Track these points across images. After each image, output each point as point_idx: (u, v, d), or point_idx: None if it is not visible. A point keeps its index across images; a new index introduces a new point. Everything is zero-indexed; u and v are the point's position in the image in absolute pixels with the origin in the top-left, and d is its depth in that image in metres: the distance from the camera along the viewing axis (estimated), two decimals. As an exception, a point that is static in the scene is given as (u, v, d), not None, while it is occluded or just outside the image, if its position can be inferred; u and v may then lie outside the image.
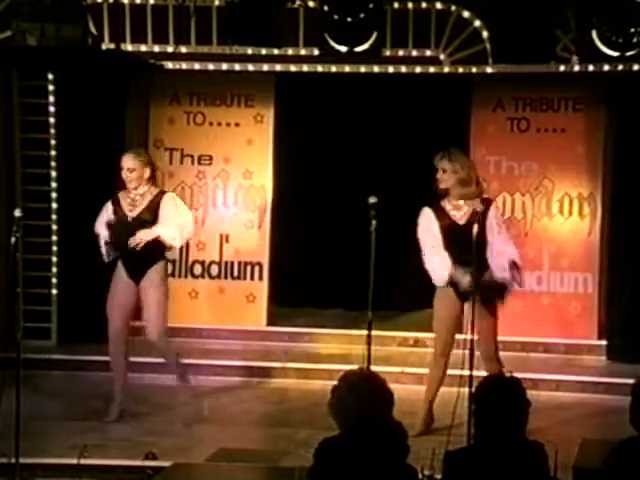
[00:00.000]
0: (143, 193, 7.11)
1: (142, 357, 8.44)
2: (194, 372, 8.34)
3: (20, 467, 5.87)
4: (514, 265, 6.80)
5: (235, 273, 9.33)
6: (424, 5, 8.81)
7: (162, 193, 7.24)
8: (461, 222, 6.79)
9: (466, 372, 6.23)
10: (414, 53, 8.90)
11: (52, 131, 8.85)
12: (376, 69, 8.91)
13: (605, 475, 4.03)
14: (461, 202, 6.85)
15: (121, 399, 7.20)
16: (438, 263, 6.76)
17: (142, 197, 7.11)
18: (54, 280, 8.92)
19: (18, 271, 6.04)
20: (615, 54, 7.92)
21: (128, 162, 7.09)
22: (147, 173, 7.11)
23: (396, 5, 8.75)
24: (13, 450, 5.82)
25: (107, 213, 7.19)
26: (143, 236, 6.98)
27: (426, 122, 9.41)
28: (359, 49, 8.17)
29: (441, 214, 6.84)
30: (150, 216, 7.07)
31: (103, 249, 7.17)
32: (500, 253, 6.79)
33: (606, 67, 8.40)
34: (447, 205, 6.86)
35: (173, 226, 7.09)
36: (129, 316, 7.22)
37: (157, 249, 7.10)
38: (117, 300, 7.13)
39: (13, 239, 5.90)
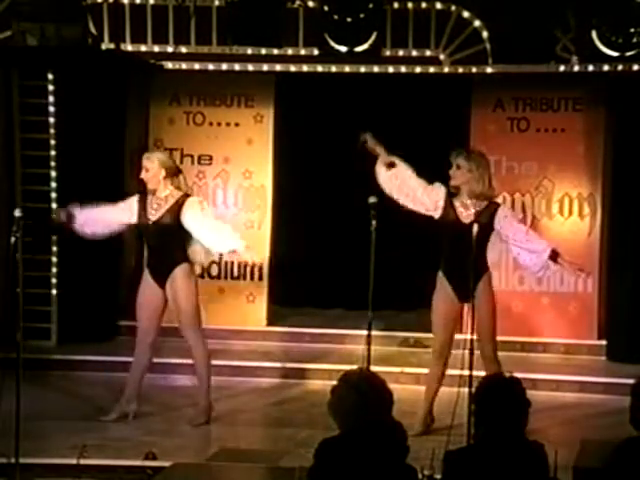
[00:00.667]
0: (165, 197, 6.97)
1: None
2: (194, 372, 8.35)
3: (20, 467, 5.86)
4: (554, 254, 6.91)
5: (235, 273, 9.33)
6: (424, 5, 8.81)
7: (186, 196, 7.04)
8: (466, 221, 6.79)
9: (466, 372, 6.23)
10: (414, 53, 8.91)
11: (52, 131, 8.85)
12: (376, 69, 8.92)
13: (605, 475, 4.03)
14: (469, 202, 6.86)
15: (127, 400, 7.10)
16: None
17: (165, 201, 6.97)
18: (54, 280, 8.91)
19: (18, 271, 6.04)
20: (615, 54, 7.93)
21: (143, 161, 7.05)
22: (162, 173, 6.96)
23: (396, 5, 8.76)
24: (13, 450, 5.82)
25: (127, 212, 7.05)
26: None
27: (426, 122, 9.41)
28: (359, 49, 8.18)
29: (448, 207, 6.85)
30: (171, 220, 6.93)
31: (62, 213, 7.15)
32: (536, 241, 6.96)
33: (606, 67, 8.41)
34: (456, 202, 6.87)
35: (215, 235, 6.96)
36: (156, 317, 7.09)
37: (179, 251, 6.98)
38: (143, 301, 7.08)
39: (13, 239, 5.90)
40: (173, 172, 7.04)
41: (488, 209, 6.85)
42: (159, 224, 6.97)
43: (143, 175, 7.02)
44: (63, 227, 7.21)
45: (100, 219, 7.12)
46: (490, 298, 6.87)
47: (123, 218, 7.10)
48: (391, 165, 6.97)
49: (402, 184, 6.95)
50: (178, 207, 6.95)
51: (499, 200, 8.93)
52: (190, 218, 6.94)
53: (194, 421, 7.09)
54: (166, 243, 6.98)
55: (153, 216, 6.98)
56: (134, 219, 7.05)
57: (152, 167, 6.97)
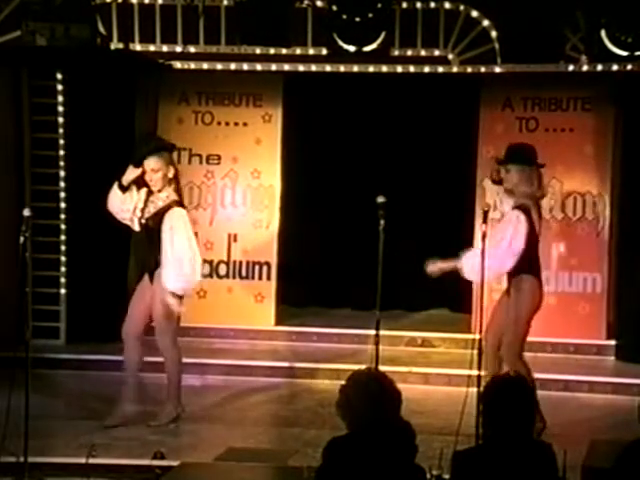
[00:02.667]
0: (165, 197, 6.82)
1: (146, 357, 8.45)
2: (202, 371, 8.37)
3: (29, 466, 5.88)
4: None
5: (243, 273, 9.33)
6: (432, 5, 8.80)
7: (177, 204, 6.84)
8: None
9: (474, 372, 6.23)
10: (422, 53, 8.90)
11: (61, 131, 8.87)
12: (384, 69, 8.91)
13: (614, 475, 4.02)
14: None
15: (126, 403, 7.00)
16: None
17: (162, 201, 6.82)
18: (63, 280, 8.93)
19: (27, 271, 6.05)
20: (624, 53, 7.90)
21: (151, 163, 6.81)
22: (172, 172, 6.85)
23: (404, 5, 8.74)
24: (22, 449, 5.83)
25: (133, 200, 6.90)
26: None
27: (435, 122, 9.41)
28: (367, 49, 8.17)
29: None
30: (155, 223, 6.80)
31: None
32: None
33: (615, 67, 8.39)
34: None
35: (174, 275, 6.69)
36: (145, 312, 7.00)
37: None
38: (136, 293, 7.01)
39: (22, 238, 5.91)
40: (177, 174, 6.95)
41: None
42: (147, 224, 6.84)
43: (150, 177, 6.81)
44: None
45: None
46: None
47: (129, 206, 6.90)
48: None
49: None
50: (162, 213, 6.79)
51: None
52: (166, 229, 6.74)
53: (154, 421, 6.91)
54: (152, 243, 6.83)
55: (148, 213, 6.84)
56: (136, 214, 6.88)
57: (162, 167, 6.83)
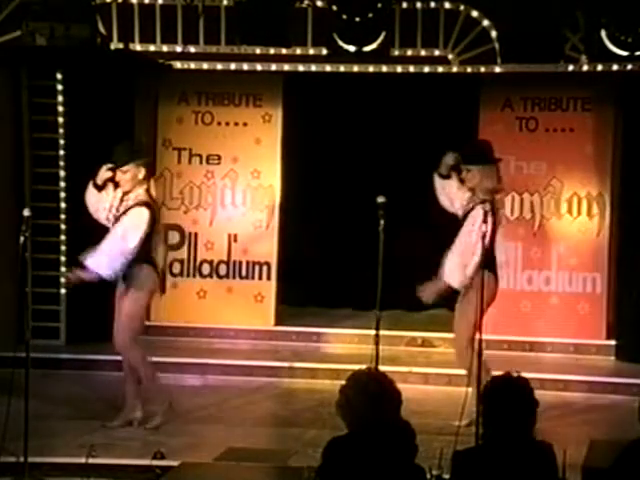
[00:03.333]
0: (134, 197, 6.73)
1: (147, 356, 8.46)
2: (202, 371, 8.37)
3: (29, 466, 5.88)
4: None
5: (243, 273, 9.33)
6: (432, 5, 8.80)
7: (142, 203, 6.72)
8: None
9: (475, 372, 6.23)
10: (422, 53, 8.90)
11: (61, 131, 8.87)
12: (384, 69, 8.91)
13: (614, 475, 4.02)
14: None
15: (131, 409, 6.93)
16: None
17: (131, 200, 6.73)
18: (63, 280, 8.93)
19: (27, 270, 6.05)
20: (624, 53, 7.90)
21: (121, 169, 6.74)
22: (142, 173, 6.78)
23: (404, 5, 8.74)
24: (22, 449, 5.83)
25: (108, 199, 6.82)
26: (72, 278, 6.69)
27: (434, 122, 9.40)
28: (367, 49, 8.16)
29: None
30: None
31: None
32: None
33: (615, 67, 8.39)
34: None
35: (104, 255, 6.57)
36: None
37: (138, 251, 6.69)
38: (116, 302, 6.94)
39: (22, 238, 5.91)
40: (150, 174, 6.84)
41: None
42: (114, 223, 6.79)
43: (119, 177, 6.73)
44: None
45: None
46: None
47: (106, 205, 6.84)
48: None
49: None
50: (129, 210, 6.75)
51: (507, 199, 9.02)
52: (121, 222, 6.70)
53: (149, 424, 6.84)
54: None
55: (117, 213, 6.79)
56: (111, 213, 6.82)
57: (129, 168, 6.74)
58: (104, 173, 6.86)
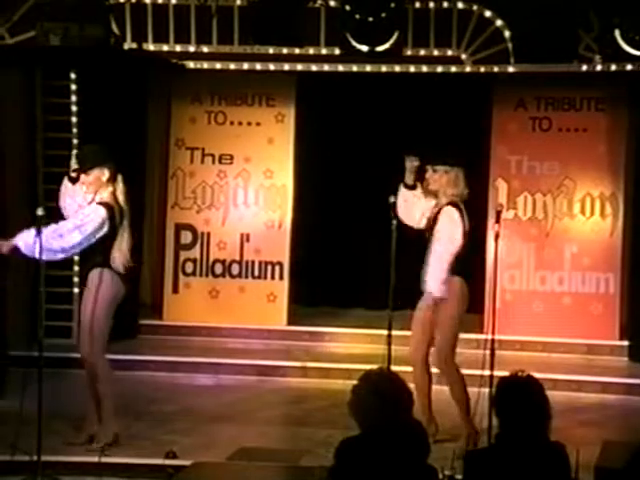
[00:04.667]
0: (98, 199, 6.46)
1: (159, 356, 8.49)
2: (215, 371, 8.38)
3: (42, 465, 5.90)
4: None
5: (256, 272, 9.34)
6: (446, 4, 8.79)
7: (101, 204, 6.42)
8: None
9: (487, 372, 6.22)
10: (435, 53, 8.89)
11: (74, 130, 8.89)
12: (397, 68, 8.91)
13: (627, 476, 4.01)
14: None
15: (90, 423, 6.58)
16: None
17: (95, 202, 6.47)
18: (75, 279, 8.95)
19: (40, 270, 6.07)
20: (638, 53, 7.88)
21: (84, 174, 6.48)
22: (106, 175, 6.44)
23: (417, 4, 8.74)
24: (35, 448, 5.85)
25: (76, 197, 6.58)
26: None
27: (447, 122, 9.39)
28: (380, 48, 8.16)
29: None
30: None
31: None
32: None
33: (629, 66, 8.36)
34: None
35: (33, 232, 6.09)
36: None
37: (96, 254, 6.43)
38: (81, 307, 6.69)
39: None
40: (114, 175, 6.52)
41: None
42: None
43: (82, 179, 6.48)
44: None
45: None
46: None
47: (78, 199, 6.58)
48: None
49: None
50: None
51: (519, 199, 9.01)
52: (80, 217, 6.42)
53: (96, 442, 6.41)
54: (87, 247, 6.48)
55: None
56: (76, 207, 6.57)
57: (93, 172, 6.47)
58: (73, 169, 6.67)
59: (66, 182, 6.74)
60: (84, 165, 6.55)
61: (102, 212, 6.41)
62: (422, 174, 6.70)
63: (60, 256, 6.44)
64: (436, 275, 6.52)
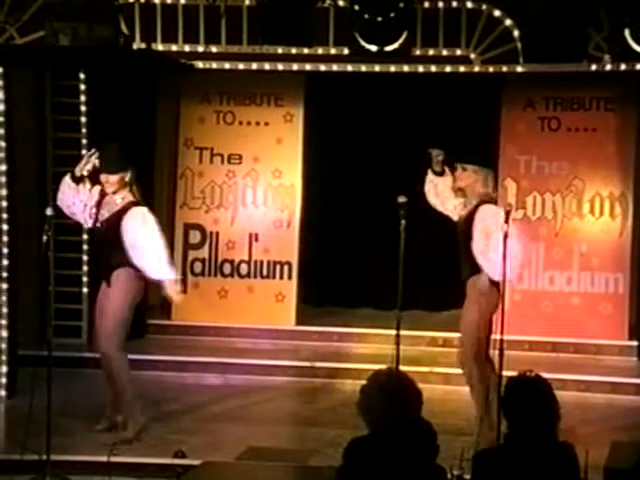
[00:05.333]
0: (120, 199, 6.61)
1: (168, 356, 8.49)
2: (223, 371, 8.39)
3: (51, 464, 5.91)
4: None
5: (264, 272, 9.34)
6: (454, 4, 8.78)
7: (134, 204, 6.62)
8: None
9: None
10: (444, 52, 8.88)
11: (84, 130, 8.91)
12: (406, 68, 8.90)
13: (636, 476, 4.01)
14: None
15: (113, 410, 6.75)
16: None
17: (116, 205, 6.62)
18: (85, 279, 8.97)
19: (50, 269, 6.08)
20: (648, 53, 7.86)
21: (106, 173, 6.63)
22: (128, 176, 6.63)
23: (426, 4, 8.73)
24: (44, 447, 5.87)
25: (88, 194, 6.68)
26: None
27: (456, 121, 9.38)
28: (389, 48, 8.15)
29: None
30: (110, 227, 6.59)
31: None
32: None
33: (638, 66, 8.34)
34: None
35: (151, 257, 6.47)
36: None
37: (120, 253, 6.54)
38: (97, 301, 6.82)
39: (45, 237, 5.94)
40: (135, 177, 6.67)
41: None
42: (104, 226, 6.67)
43: (105, 177, 6.59)
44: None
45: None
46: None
47: (83, 198, 6.72)
48: None
49: None
50: (122, 214, 6.62)
51: (528, 199, 8.99)
52: (129, 229, 6.55)
53: (119, 438, 6.53)
54: (109, 245, 6.63)
55: (102, 217, 6.68)
56: (87, 211, 6.72)
57: (118, 173, 6.62)
58: (87, 163, 6.69)
59: (69, 181, 6.75)
60: (111, 167, 6.63)
61: (147, 210, 6.65)
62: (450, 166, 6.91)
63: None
64: (495, 260, 6.49)
